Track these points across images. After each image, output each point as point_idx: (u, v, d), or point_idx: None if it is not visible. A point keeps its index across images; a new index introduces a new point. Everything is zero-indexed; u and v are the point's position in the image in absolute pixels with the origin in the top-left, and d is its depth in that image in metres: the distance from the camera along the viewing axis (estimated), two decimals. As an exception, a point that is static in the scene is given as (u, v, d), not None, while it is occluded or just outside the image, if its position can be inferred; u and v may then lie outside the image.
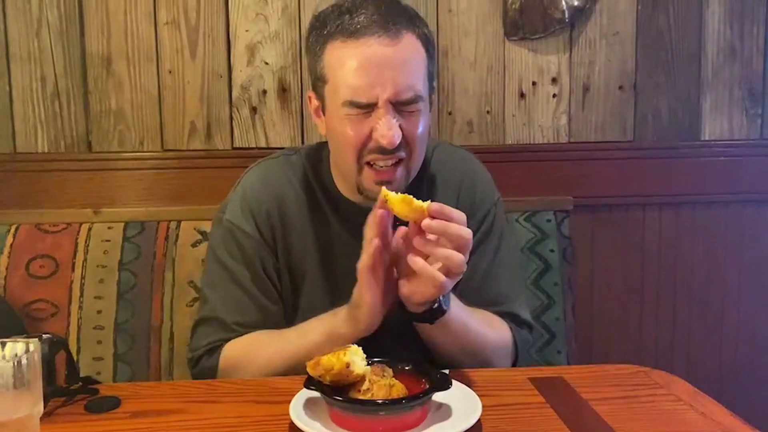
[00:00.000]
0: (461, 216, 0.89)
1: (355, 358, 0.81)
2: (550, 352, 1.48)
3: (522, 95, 1.73)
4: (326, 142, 1.13)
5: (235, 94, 1.67)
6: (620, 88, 1.75)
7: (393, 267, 0.95)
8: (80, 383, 0.94)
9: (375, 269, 0.92)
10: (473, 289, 1.10)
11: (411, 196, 0.88)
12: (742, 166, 1.77)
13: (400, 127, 1.00)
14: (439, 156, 1.18)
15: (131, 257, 1.48)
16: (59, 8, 1.61)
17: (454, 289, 1.01)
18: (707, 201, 1.78)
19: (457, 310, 1.00)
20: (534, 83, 1.73)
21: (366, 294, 0.93)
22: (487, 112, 1.73)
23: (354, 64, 0.99)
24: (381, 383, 0.82)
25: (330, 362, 0.79)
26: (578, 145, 1.75)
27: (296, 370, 0.98)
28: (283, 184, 1.14)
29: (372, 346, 1.07)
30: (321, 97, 1.07)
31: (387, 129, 0.98)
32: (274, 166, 1.17)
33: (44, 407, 0.72)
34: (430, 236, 0.88)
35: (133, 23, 1.63)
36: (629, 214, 1.78)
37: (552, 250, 1.54)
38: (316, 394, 0.82)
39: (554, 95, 1.74)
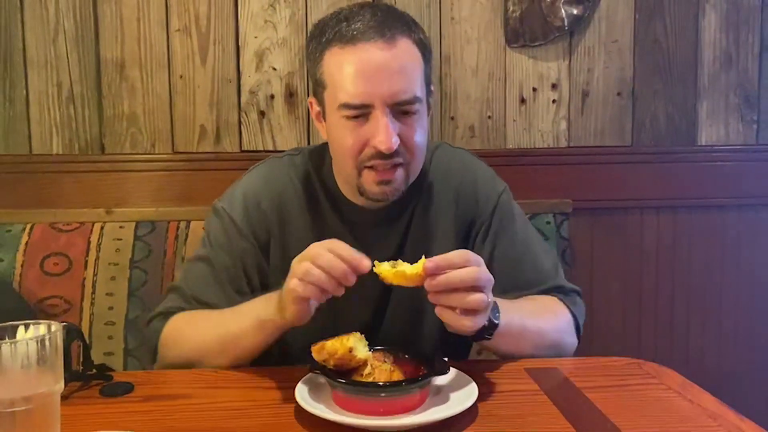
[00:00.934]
0: (461, 256, 0.87)
1: (358, 344, 0.85)
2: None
3: (522, 101, 1.78)
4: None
5: (243, 98, 1.72)
6: (618, 94, 1.79)
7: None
8: (95, 370, 0.98)
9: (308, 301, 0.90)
10: (511, 277, 1.11)
11: (402, 266, 0.87)
12: (739, 171, 1.80)
13: (399, 133, 1.01)
14: (438, 160, 1.19)
15: (142, 255, 1.53)
16: (75, 16, 1.67)
17: (497, 287, 1.05)
18: (704, 205, 1.81)
19: (509, 316, 0.98)
20: (534, 89, 1.77)
21: (290, 307, 0.91)
22: (489, 117, 1.77)
23: (351, 68, 1.00)
24: (382, 368, 0.86)
25: (334, 347, 0.83)
26: (577, 150, 1.79)
27: (227, 352, 1.00)
28: (284, 184, 1.15)
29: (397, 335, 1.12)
30: (321, 103, 1.09)
31: (384, 134, 0.99)
32: (278, 165, 1.18)
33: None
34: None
35: (146, 30, 1.69)
36: (628, 217, 1.81)
37: (551, 252, 1.57)
38: (320, 379, 0.87)
39: (554, 101, 1.78)
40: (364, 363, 0.86)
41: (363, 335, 0.87)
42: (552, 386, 0.94)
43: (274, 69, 1.72)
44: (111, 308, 1.50)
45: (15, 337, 0.72)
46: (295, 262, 0.90)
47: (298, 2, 1.70)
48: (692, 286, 1.84)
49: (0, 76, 1.67)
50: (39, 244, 1.52)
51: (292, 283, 0.88)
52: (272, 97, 1.72)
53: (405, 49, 1.02)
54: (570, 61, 1.77)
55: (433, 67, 1.14)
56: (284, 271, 0.93)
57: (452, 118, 1.77)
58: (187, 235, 1.56)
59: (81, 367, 0.97)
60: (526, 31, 1.74)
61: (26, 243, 1.52)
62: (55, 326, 0.74)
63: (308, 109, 1.72)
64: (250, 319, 0.99)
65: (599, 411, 0.86)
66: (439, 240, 1.14)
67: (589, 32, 1.77)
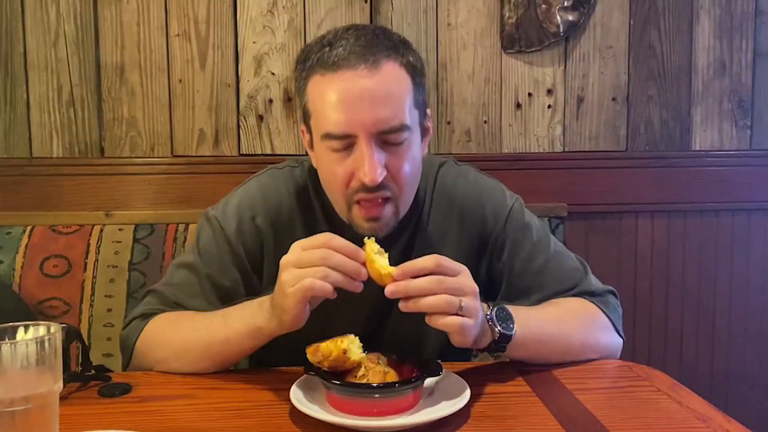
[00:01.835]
0: (431, 261, 0.86)
1: (352, 346, 0.86)
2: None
3: (518, 106, 1.79)
4: None
5: (242, 103, 1.74)
6: (613, 99, 1.81)
7: None
8: (94, 371, 1.00)
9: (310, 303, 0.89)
10: (537, 286, 1.09)
11: (384, 259, 0.86)
12: (732, 176, 1.82)
13: (386, 164, 0.97)
14: (443, 178, 1.15)
15: (141, 258, 1.54)
16: (76, 21, 1.69)
17: (525, 297, 1.03)
18: (698, 209, 1.83)
19: (528, 325, 0.96)
20: (530, 94, 1.79)
21: (293, 310, 0.88)
22: (485, 122, 1.79)
23: (333, 97, 0.96)
24: (376, 370, 0.87)
25: (328, 349, 0.84)
26: (572, 155, 1.81)
27: (211, 357, 0.99)
28: (281, 198, 1.12)
29: (399, 343, 1.10)
30: (309, 131, 1.06)
31: (368, 165, 0.95)
32: (277, 177, 1.14)
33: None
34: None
35: (146, 35, 1.71)
36: (622, 221, 1.83)
37: (546, 255, 1.59)
38: (315, 380, 0.88)
39: (549, 106, 1.80)
40: (358, 365, 0.87)
41: (357, 337, 0.89)
42: (543, 388, 0.95)
43: (273, 74, 1.73)
44: (110, 310, 1.52)
45: (15, 338, 0.74)
46: (290, 262, 0.87)
47: (296, 8, 1.72)
48: (686, 290, 1.85)
49: (1, 79, 1.68)
50: (39, 247, 1.53)
51: (308, 281, 0.85)
52: (271, 101, 1.74)
53: (390, 74, 0.97)
54: (565, 66, 1.79)
55: (428, 89, 1.11)
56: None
57: (449, 123, 1.78)
58: (185, 238, 1.57)
59: (80, 368, 0.98)
60: (521, 36, 1.76)
61: (26, 245, 1.53)
62: (55, 328, 0.75)
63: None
64: (240, 325, 0.96)
65: (590, 413, 0.88)
66: None
67: (585, 38, 1.79)
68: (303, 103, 1.04)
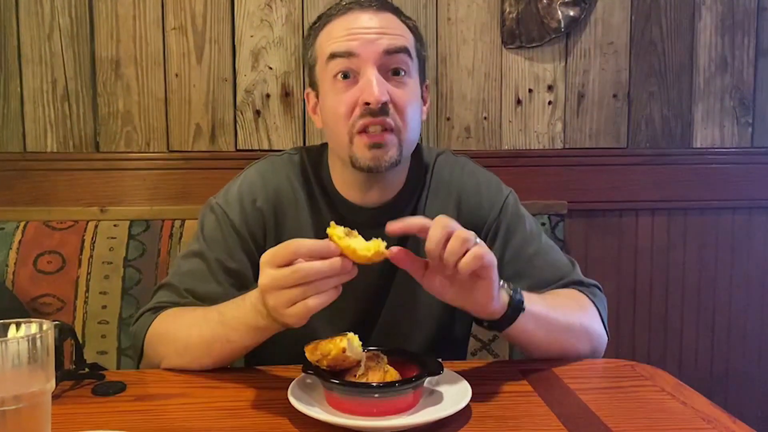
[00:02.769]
0: (415, 219, 0.87)
1: (351, 345, 0.84)
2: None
3: (518, 102, 1.78)
4: (327, 143, 1.14)
5: (239, 97, 1.72)
6: (614, 96, 1.79)
7: None
8: (87, 369, 0.98)
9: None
10: (527, 275, 1.10)
11: (356, 239, 0.83)
12: (733, 174, 1.81)
13: (390, 93, 1.01)
14: (441, 166, 1.17)
15: (136, 254, 1.53)
16: (71, 14, 1.67)
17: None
18: (699, 207, 1.82)
19: (533, 304, 0.97)
20: (530, 91, 1.78)
21: (297, 324, 0.86)
22: (485, 118, 1.77)
23: (339, 30, 1.03)
24: (376, 369, 0.86)
25: (327, 347, 0.83)
26: (573, 152, 1.80)
27: (213, 353, 0.97)
28: (281, 181, 1.14)
29: (392, 333, 1.11)
30: (314, 85, 1.10)
31: (373, 86, 0.99)
32: (277, 163, 1.17)
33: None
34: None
35: (142, 29, 1.68)
36: (622, 219, 1.82)
37: (546, 253, 1.57)
38: (313, 379, 0.86)
39: (550, 102, 1.78)
40: (358, 363, 0.86)
41: (356, 335, 0.87)
42: (545, 388, 0.94)
43: (270, 68, 1.71)
44: (104, 307, 1.50)
45: (6, 335, 0.72)
46: (270, 286, 0.83)
47: (294, 1, 1.70)
48: (686, 287, 1.84)
49: (-6, 73, 1.66)
50: (32, 242, 1.51)
51: (311, 301, 0.81)
52: (268, 96, 1.72)
53: (393, 19, 1.05)
54: (566, 62, 1.78)
55: (428, 67, 1.14)
56: None
57: (448, 119, 1.77)
58: (181, 234, 1.56)
59: (73, 366, 0.97)
60: (522, 32, 1.75)
61: (20, 241, 1.51)
62: (47, 325, 0.74)
63: (304, 109, 1.73)
64: (240, 322, 0.94)
65: (592, 413, 0.86)
66: None
67: (585, 34, 1.77)
68: (309, 56, 1.09)
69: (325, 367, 0.84)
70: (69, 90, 1.68)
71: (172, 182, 1.69)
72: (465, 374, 0.92)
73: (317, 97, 1.10)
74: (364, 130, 1.01)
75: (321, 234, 1.03)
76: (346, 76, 1.02)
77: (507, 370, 1.01)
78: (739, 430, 0.81)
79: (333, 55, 1.02)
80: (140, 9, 1.68)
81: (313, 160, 1.17)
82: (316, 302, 0.82)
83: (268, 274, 0.83)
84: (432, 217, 1.11)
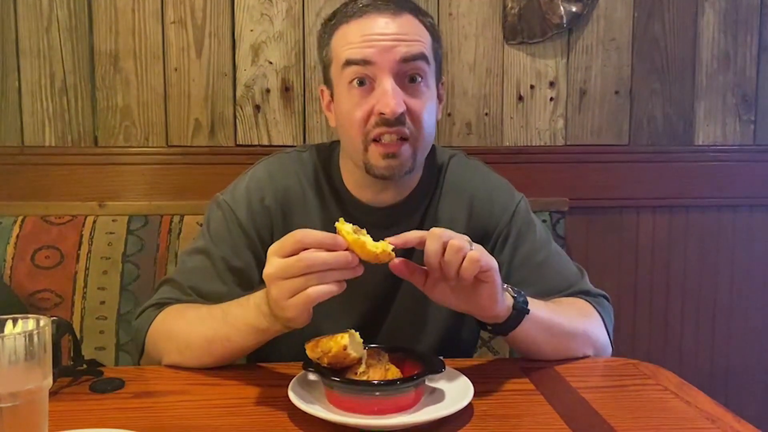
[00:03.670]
0: (416, 231, 0.86)
1: (353, 342, 0.83)
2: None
3: (520, 98, 1.77)
4: (338, 141, 1.13)
5: (239, 92, 1.70)
6: (616, 92, 1.78)
7: None
8: (85, 365, 0.97)
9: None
10: (535, 283, 1.09)
11: (365, 236, 0.82)
12: (735, 171, 1.80)
13: (406, 102, 0.99)
14: (453, 168, 1.17)
15: (135, 250, 1.51)
16: (69, 6, 1.65)
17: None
18: (700, 205, 1.81)
19: (537, 309, 0.96)
20: (532, 87, 1.76)
21: (298, 318, 0.85)
22: (486, 114, 1.76)
23: (355, 33, 1.00)
24: (377, 366, 0.85)
25: (328, 345, 0.82)
26: (574, 148, 1.78)
27: (213, 353, 0.97)
28: (290, 179, 1.12)
29: (398, 336, 1.10)
30: (329, 84, 1.08)
31: (389, 97, 0.97)
32: (285, 161, 1.15)
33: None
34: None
35: (141, 22, 1.67)
36: (624, 216, 1.81)
37: (547, 250, 1.57)
38: (314, 377, 0.85)
39: (551, 99, 1.77)
40: (359, 361, 0.85)
41: (358, 333, 0.86)
42: (548, 386, 0.93)
43: (270, 63, 1.70)
44: (103, 302, 1.49)
45: (2, 331, 0.71)
46: (274, 276, 0.82)
47: (295, -4, 1.69)
48: (687, 285, 1.84)
49: (-8, 66, 1.65)
50: (30, 237, 1.50)
51: (312, 291, 0.80)
52: (268, 91, 1.71)
53: (411, 21, 1.02)
54: (568, 59, 1.77)
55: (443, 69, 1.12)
56: None
57: (449, 115, 1.75)
58: (180, 229, 1.54)
59: (71, 362, 0.96)
60: (524, 28, 1.73)
61: (17, 235, 1.50)
62: (44, 321, 0.73)
63: (304, 104, 1.72)
64: (243, 326, 0.93)
65: (595, 411, 0.86)
66: None
67: (588, 30, 1.76)
68: (324, 55, 1.07)
69: (326, 365, 0.83)
70: (67, 84, 1.67)
71: (171, 177, 1.68)
72: (466, 372, 0.91)
73: (332, 96, 1.09)
74: (378, 139, 1.01)
75: (329, 231, 1.01)
76: (361, 82, 1.01)
77: (509, 368, 1.00)
78: (743, 429, 0.80)
79: (349, 62, 1.00)
80: (139, 2, 1.66)
81: (323, 158, 1.15)
82: (316, 292, 0.81)
83: (273, 263, 0.83)
84: (444, 219, 1.12)
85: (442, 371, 0.85)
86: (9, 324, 0.72)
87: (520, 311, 0.94)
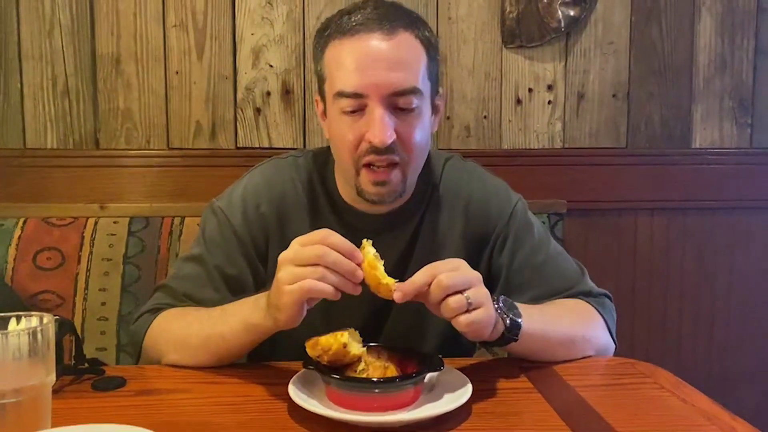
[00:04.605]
0: (427, 273, 0.86)
1: (352, 340, 0.84)
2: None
3: (518, 102, 1.78)
4: None
5: (239, 95, 1.71)
6: (614, 96, 1.80)
7: None
8: (87, 364, 0.98)
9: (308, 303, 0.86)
10: (535, 285, 1.09)
11: (381, 268, 0.84)
12: (732, 174, 1.81)
13: (397, 130, 0.98)
14: (449, 171, 1.16)
15: (136, 251, 1.52)
16: (71, 10, 1.66)
17: (523, 296, 1.03)
18: (698, 207, 1.82)
19: (530, 320, 0.95)
20: (530, 90, 1.78)
21: (289, 310, 0.86)
22: (484, 117, 1.78)
23: (347, 58, 0.98)
24: (376, 364, 0.86)
25: (328, 343, 0.83)
26: (572, 151, 1.80)
27: (211, 352, 0.98)
28: (286, 186, 1.12)
29: (398, 341, 1.08)
30: (323, 98, 1.08)
31: (378, 127, 0.96)
32: (282, 167, 1.14)
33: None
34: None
35: (142, 25, 1.68)
36: (622, 218, 1.82)
37: (545, 252, 1.57)
38: (314, 375, 0.86)
39: (549, 102, 1.78)
40: (359, 359, 0.86)
41: (357, 331, 0.87)
42: (545, 384, 0.94)
43: (271, 66, 1.71)
44: (104, 304, 1.49)
45: (7, 328, 0.72)
46: (288, 259, 0.85)
47: (295, -1, 1.70)
48: (685, 287, 1.84)
49: (-6, 69, 1.66)
50: (32, 239, 1.51)
51: (307, 283, 0.82)
52: (268, 94, 1.72)
53: (405, 42, 0.99)
54: (566, 62, 1.78)
55: (441, 72, 1.12)
56: None
57: (448, 118, 1.77)
58: (181, 231, 1.55)
59: (73, 361, 0.97)
60: (522, 31, 1.75)
61: (19, 237, 1.51)
62: (47, 318, 0.74)
63: (305, 107, 1.73)
64: (237, 322, 0.95)
65: (593, 409, 0.86)
66: (447, 252, 1.10)
67: (586, 34, 1.78)
68: (319, 70, 1.06)
69: (326, 363, 0.84)
70: (69, 86, 1.68)
71: (172, 179, 1.69)
72: (465, 370, 0.92)
73: (325, 107, 1.08)
74: (369, 165, 1.01)
75: None
76: (353, 110, 1.00)
77: (507, 367, 1.01)
78: (739, 427, 0.81)
79: (341, 94, 0.99)
80: (141, 5, 1.67)
81: (319, 164, 1.14)
82: (311, 285, 0.82)
83: (292, 247, 0.86)
84: (440, 226, 1.12)
85: (441, 369, 0.86)
86: (13, 321, 0.73)
87: (512, 334, 0.93)
